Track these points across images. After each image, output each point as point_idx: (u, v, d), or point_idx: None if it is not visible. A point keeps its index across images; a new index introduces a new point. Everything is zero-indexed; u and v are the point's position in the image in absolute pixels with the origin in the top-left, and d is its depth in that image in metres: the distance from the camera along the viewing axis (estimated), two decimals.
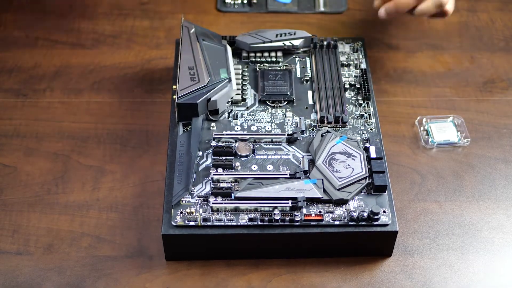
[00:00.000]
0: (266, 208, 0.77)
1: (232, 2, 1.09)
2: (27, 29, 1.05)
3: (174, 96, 0.84)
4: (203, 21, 1.05)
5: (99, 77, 0.98)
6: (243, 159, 0.81)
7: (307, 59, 0.94)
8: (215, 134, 0.83)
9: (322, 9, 1.09)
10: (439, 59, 1.02)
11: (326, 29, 1.05)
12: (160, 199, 0.83)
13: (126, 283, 0.77)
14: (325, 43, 0.94)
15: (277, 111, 0.87)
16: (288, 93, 0.88)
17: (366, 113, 0.87)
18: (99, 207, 0.84)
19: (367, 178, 0.79)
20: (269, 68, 0.92)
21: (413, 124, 0.93)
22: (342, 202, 0.77)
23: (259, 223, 0.76)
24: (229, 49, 0.91)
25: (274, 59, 0.93)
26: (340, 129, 0.85)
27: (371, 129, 0.85)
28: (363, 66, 0.93)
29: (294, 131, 0.84)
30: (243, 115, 0.87)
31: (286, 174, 0.79)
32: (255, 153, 0.82)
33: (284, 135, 0.84)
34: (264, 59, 0.93)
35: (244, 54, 0.93)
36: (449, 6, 0.92)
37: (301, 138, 0.84)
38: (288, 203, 0.76)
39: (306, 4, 1.09)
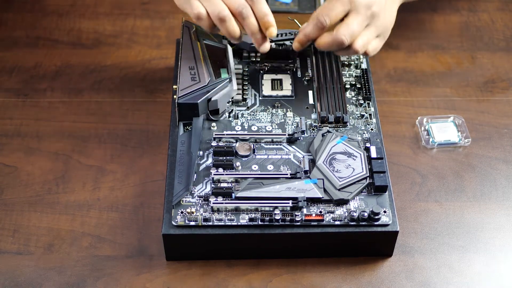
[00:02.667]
0: (267, 208, 0.77)
1: None
2: (27, 29, 1.05)
3: (175, 96, 0.84)
4: None
5: (99, 77, 0.98)
6: (243, 159, 0.81)
7: (308, 59, 0.93)
8: (215, 134, 0.83)
9: None
10: (439, 59, 1.02)
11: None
12: (160, 199, 0.83)
13: (127, 283, 0.77)
14: None
15: (277, 111, 0.87)
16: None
17: (366, 113, 0.87)
18: (99, 207, 0.84)
19: (368, 178, 0.79)
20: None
21: (413, 124, 0.93)
22: (342, 202, 0.77)
23: (260, 223, 0.76)
24: (229, 49, 0.91)
25: None
26: (341, 129, 0.85)
27: (371, 129, 0.85)
28: (364, 66, 0.93)
29: (294, 131, 0.84)
30: (244, 115, 0.86)
31: (287, 174, 0.79)
32: (255, 153, 0.82)
33: (285, 135, 0.84)
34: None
35: (245, 54, 0.93)
36: (357, 44, 0.82)
37: (301, 138, 0.84)
38: (288, 203, 0.76)
39: (306, 4, 1.09)
